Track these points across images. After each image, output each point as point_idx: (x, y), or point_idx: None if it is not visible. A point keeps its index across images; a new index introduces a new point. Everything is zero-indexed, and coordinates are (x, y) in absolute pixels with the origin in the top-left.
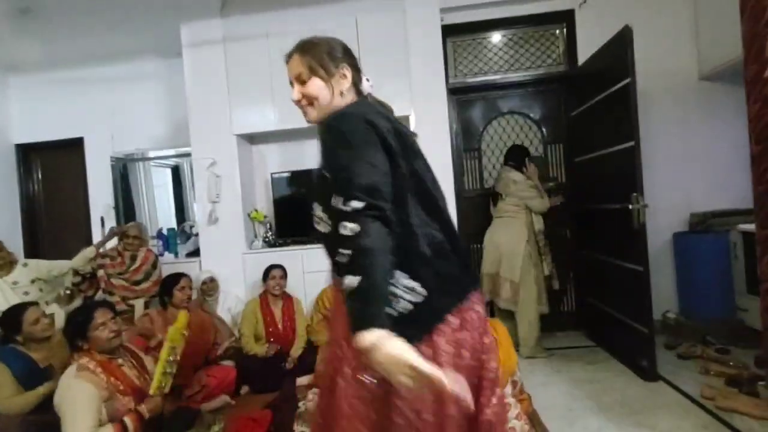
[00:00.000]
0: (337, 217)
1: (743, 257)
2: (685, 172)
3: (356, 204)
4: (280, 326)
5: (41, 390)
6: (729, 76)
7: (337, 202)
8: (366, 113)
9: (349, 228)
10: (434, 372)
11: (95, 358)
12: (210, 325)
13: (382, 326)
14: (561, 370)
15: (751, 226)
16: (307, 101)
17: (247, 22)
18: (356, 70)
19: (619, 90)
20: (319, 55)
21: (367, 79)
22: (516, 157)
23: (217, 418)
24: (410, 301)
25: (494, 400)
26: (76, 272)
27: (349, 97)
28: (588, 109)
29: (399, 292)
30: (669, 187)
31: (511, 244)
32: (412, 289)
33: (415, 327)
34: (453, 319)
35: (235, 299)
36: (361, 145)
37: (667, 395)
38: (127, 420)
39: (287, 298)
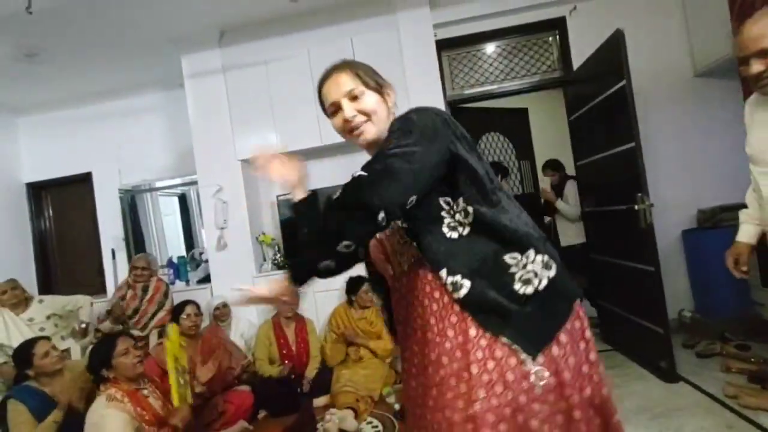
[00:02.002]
0: (364, 167)
1: (755, 251)
2: (688, 168)
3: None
4: (293, 348)
5: (51, 418)
6: (723, 71)
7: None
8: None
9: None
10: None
11: (122, 388)
12: (224, 350)
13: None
14: None
15: None
16: (365, 116)
17: (245, 50)
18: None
19: (616, 92)
20: (369, 70)
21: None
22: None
23: None
24: (548, 277)
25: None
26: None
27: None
28: (586, 113)
29: (536, 268)
30: (674, 185)
31: None
32: (546, 264)
33: (563, 301)
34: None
35: (247, 324)
36: (424, 134)
37: (689, 396)
38: None
39: (299, 320)
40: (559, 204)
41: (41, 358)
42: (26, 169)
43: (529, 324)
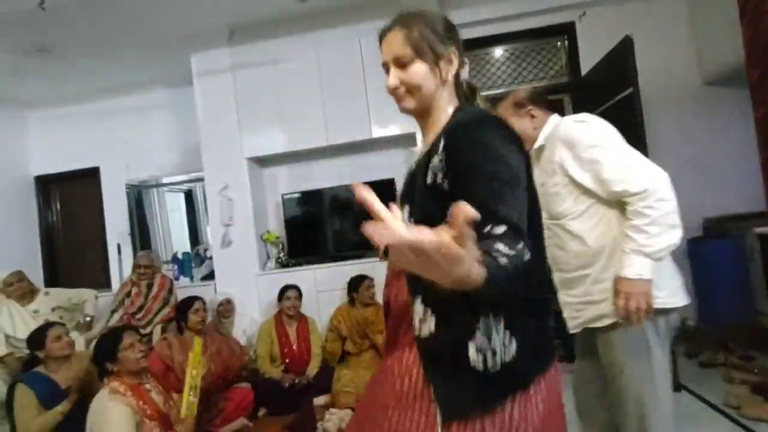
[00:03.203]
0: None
1: (761, 260)
2: (695, 177)
3: (501, 229)
4: (295, 346)
5: (60, 408)
6: (732, 80)
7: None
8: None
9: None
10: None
11: (125, 382)
12: (226, 347)
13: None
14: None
15: (767, 229)
16: (407, 89)
17: (254, 49)
18: (461, 53)
19: (624, 99)
20: (427, 31)
21: (466, 61)
22: None
23: None
24: (502, 360)
25: None
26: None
27: (448, 87)
28: None
29: (497, 344)
30: (680, 193)
31: None
32: (509, 345)
33: (495, 389)
34: (534, 389)
35: (250, 321)
36: (510, 163)
37: (690, 405)
38: None
39: (301, 318)
40: None
41: (53, 341)
42: (35, 162)
43: (459, 392)
